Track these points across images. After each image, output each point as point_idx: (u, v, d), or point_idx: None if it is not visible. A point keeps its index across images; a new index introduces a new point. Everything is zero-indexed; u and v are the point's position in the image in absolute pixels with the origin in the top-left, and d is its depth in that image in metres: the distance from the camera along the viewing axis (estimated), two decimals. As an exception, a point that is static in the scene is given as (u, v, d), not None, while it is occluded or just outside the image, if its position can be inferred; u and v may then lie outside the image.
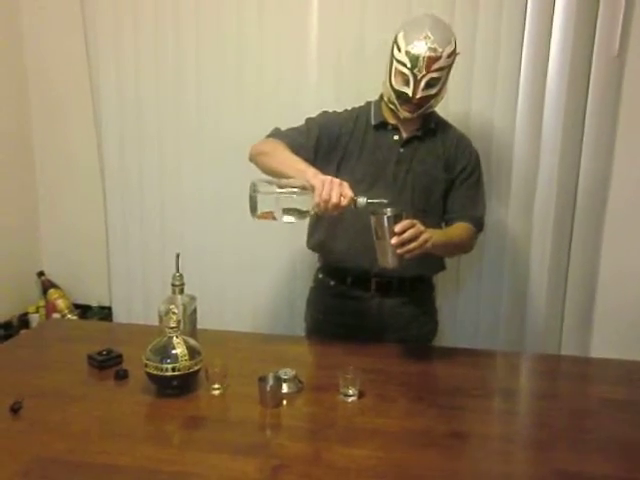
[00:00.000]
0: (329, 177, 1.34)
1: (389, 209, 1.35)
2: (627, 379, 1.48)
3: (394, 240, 1.32)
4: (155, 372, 1.29)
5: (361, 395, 1.31)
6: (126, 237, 2.43)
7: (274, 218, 1.35)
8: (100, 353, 1.47)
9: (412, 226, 1.34)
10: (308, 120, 1.65)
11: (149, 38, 2.24)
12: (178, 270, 1.44)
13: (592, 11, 1.98)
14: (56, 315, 2.49)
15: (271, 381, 1.29)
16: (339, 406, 1.29)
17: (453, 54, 1.53)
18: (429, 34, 1.48)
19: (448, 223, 1.66)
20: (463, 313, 2.22)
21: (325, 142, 1.61)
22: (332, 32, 2.10)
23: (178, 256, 1.43)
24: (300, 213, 1.35)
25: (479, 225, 1.67)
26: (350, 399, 1.30)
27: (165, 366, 1.28)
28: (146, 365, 1.30)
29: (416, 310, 1.72)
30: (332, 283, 1.74)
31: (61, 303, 2.52)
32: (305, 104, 2.10)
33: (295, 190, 1.34)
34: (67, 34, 2.38)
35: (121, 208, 2.41)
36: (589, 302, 2.19)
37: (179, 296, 1.44)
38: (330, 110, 1.69)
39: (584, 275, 2.17)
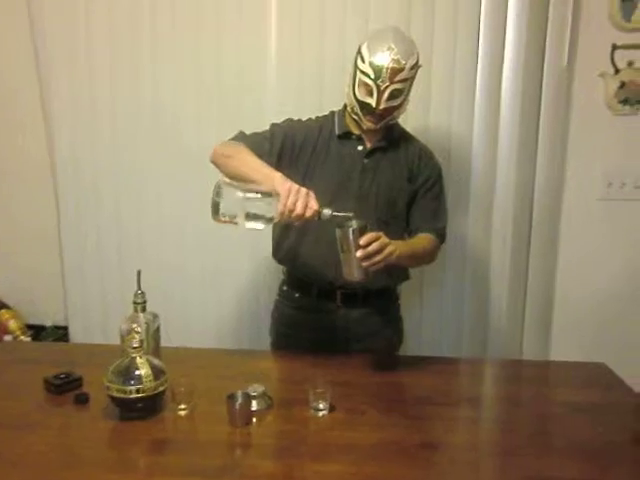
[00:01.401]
0: (296, 186, 1.32)
1: (354, 222, 1.35)
2: (587, 381, 1.52)
3: (359, 253, 1.32)
4: (118, 395, 1.24)
5: (332, 409, 1.30)
6: (81, 253, 2.34)
7: (235, 223, 1.32)
8: (58, 376, 1.40)
9: (377, 239, 1.34)
10: (273, 126, 1.64)
11: (102, 40, 2.16)
12: (140, 287, 1.40)
13: (542, 24, 2.05)
14: (7, 337, 2.37)
15: (240, 399, 1.26)
16: (310, 421, 1.28)
17: (416, 66, 1.55)
18: (392, 46, 1.50)
19: (411, 234, 1.68)
20: (427, 321, 2.24)
21: (289, 150, 1.60)
22: (291, 40, 2.09)
23: (139, 273, 1.39)
24: (263, 220, 1.33)
25: (441, 236, 1.69)
26: (321, 413, 1.29)
27: (129, 388, 1.23)
28: (108, 388, 1.25)
29: (381, 320, 1.73)
30: (297, 295, 1.72)
31: (13, 324, 2.41)
32: (265, 112, 2.09)
33: (259, 196, 1.32)
34: (13, 26, 2.26)
35: (76, 222, 2.32)
36: (548, 308, 2.25)
37: (141, 314, 1.40)
38: (294, 118, 1.68)
39: (542, 282, 2.23)
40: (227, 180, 1.38)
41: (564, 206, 2.21)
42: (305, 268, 1.66)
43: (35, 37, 2.20)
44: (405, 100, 1.59)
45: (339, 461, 1.13)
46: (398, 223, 1.67)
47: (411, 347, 1.99)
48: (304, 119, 1.69)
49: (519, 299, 2.23)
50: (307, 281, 1.68)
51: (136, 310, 1.40)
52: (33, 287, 2.50)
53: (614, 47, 2.11)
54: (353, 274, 1.36)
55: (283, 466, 1.12)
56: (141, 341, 1.27)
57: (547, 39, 2.07)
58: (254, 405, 1.29)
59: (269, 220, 1.33)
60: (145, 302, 1.40)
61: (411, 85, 1.58)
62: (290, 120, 1.67)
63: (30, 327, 2.45)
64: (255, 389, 1.31)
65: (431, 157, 1.72)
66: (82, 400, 1.34)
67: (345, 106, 1.65)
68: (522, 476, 1.10)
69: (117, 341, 1.39)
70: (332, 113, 1.70)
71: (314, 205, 1.32)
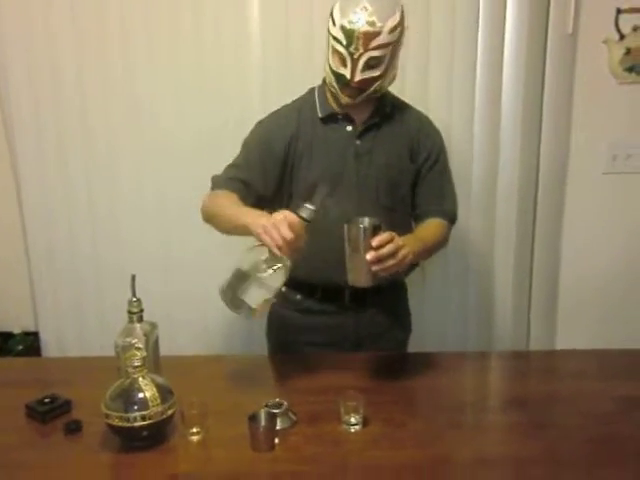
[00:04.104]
0: (263, 220, 1.18)
1: (366, 219, 1.18)
2: (632, 371, 1.39)
3: (369, 255, 1.15)
4: (120, 423, 1.05)
5: (366, 422, 1.14)
6: (51, 249, 2.10)
7: (272, 301, 1.24)
8: (42, 401, 1.20)
9: (390, 240, 1.17)
10: (245, 146, 1.47)
11: (65, 19, 1.91)
12: (134, 294, 1.20)
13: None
14: (-30, 348, 2.14)
15: (263, 420, 1.09)
16: (343, 439, 1.12)
17: (399, 28, 1.32)
18: (367, 5, 1.28)
19: (418, 220, 1.52)
20: (430, 314, 2.10)
21: (270, 165, 1.43)
22: (276, 13, 1.88)
23: (134, 278, 1.19)
24: (283, 271, 1.21)
25: (452, 218, 1.53)
26: (353, 429, 1.13)
27: (132, 415, 1.05)
28: (107, 416, 1.06)
29: (393, 316, 1.58)
30: (298, 297, 1.53)
31: (-24, 333, 2.17)
32: (249, 94, 1.91)
33: (265, 269, 1.20)
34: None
35: (42, 214, 2.07)
36: (553, 293, 2.15)
37: (138, 325, 1.20)
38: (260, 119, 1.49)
39: (548, 264, 2.12)
40: (224, 285, 1.22)
41: (568, 182, 2.10)
42: (306, 270, 1.43)
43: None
44: (389, 69, 1.37)
45: (389, 487, 0.98)
46: (404, 209, 1.51)
47: (415, 341, 1.83)
48: (278, 108, 1.49)
49: (524, 285, 2.13)
50: (309, 282, 1.49)
51: (132, 320, 1.20)
52: (-2, 291, 2.25)
53: (618, 11, 1.99)
54: (360, 279, 1.20)
55: (326, 499, 0.96)
56: (143, 358, 1.08)
57: (551, 5, 1.93)
58: (277, 424, 1.12)
59: (285, 268, 1.20)
60: (142, 311, 1.21)
61: (395, 50, 1.36)
62: (259, 125, 1.47)
63: (-4, 335, 2.21)
64: (277, 405, 1.15)
65: (431, 126, 1.54)
66: (73, 429, 1.14)
67: (324, 80, 1.44)
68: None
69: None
70: (311, 91, 1.49)
71: (293, 220, 1.16)
